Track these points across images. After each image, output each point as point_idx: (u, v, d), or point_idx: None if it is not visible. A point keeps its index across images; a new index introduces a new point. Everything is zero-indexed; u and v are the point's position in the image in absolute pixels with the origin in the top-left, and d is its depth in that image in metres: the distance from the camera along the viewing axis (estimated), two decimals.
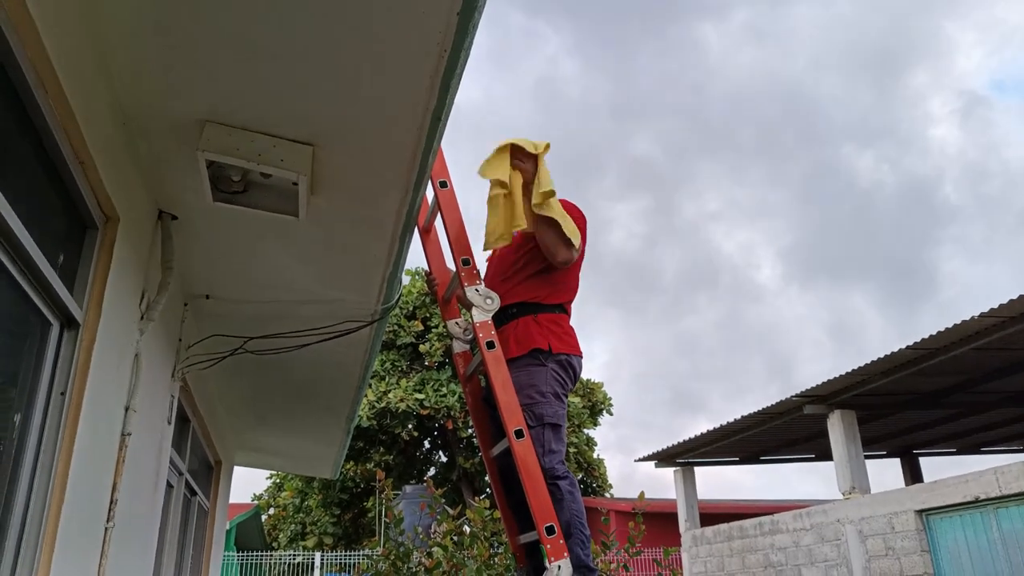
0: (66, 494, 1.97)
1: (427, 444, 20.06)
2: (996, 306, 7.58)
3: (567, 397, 3.10)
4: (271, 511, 21.85)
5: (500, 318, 3.08)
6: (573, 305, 3.26)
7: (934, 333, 8.25)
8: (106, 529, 2.41)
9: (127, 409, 2.55)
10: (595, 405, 20.03)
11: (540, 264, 3.17)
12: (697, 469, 13.80)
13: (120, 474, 2.49)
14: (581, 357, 3.16)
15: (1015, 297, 7.38)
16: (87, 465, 2.16)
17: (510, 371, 2.91)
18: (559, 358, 3.04)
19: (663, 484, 14.43)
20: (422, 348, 17.42)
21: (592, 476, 20.24)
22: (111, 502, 2.44)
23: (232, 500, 7.42)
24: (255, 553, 18.12)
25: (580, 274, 3.29)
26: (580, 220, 3.22)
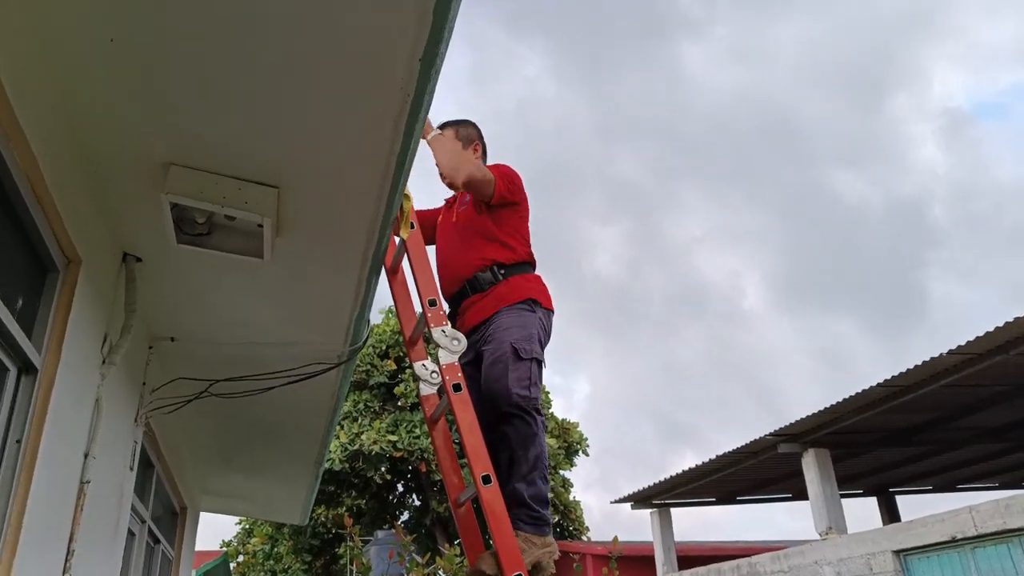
0: (19, 544, 1.91)
1: (400, 487, 19.74)
2: (964, 343, 7.69)
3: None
4: (240, 558, 21.27)
5: (475, 285, 3.21)
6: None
7: (904, 371, 8.34)
8: None
9: (87, 456, 2.49)
10: (571, 445, 19.83)
11: (491, 223, 3.28)
12: (681, 509, 13.72)
13: (78, 523, 2.42)
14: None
15: (982, 334, 7.50)
16: (43, 514, 2.10)
17: (503, 316, 3.09)
18: (547, 312, 3.26)
19: (648, 524, 14.21)
20: (397, 390, 17.23)
21: (568, 519, 19.95)
22: (68, 552, 2.37)
23: (199, 547, 7.22)
24: None
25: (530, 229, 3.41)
26: (510, 172, 3.35)
